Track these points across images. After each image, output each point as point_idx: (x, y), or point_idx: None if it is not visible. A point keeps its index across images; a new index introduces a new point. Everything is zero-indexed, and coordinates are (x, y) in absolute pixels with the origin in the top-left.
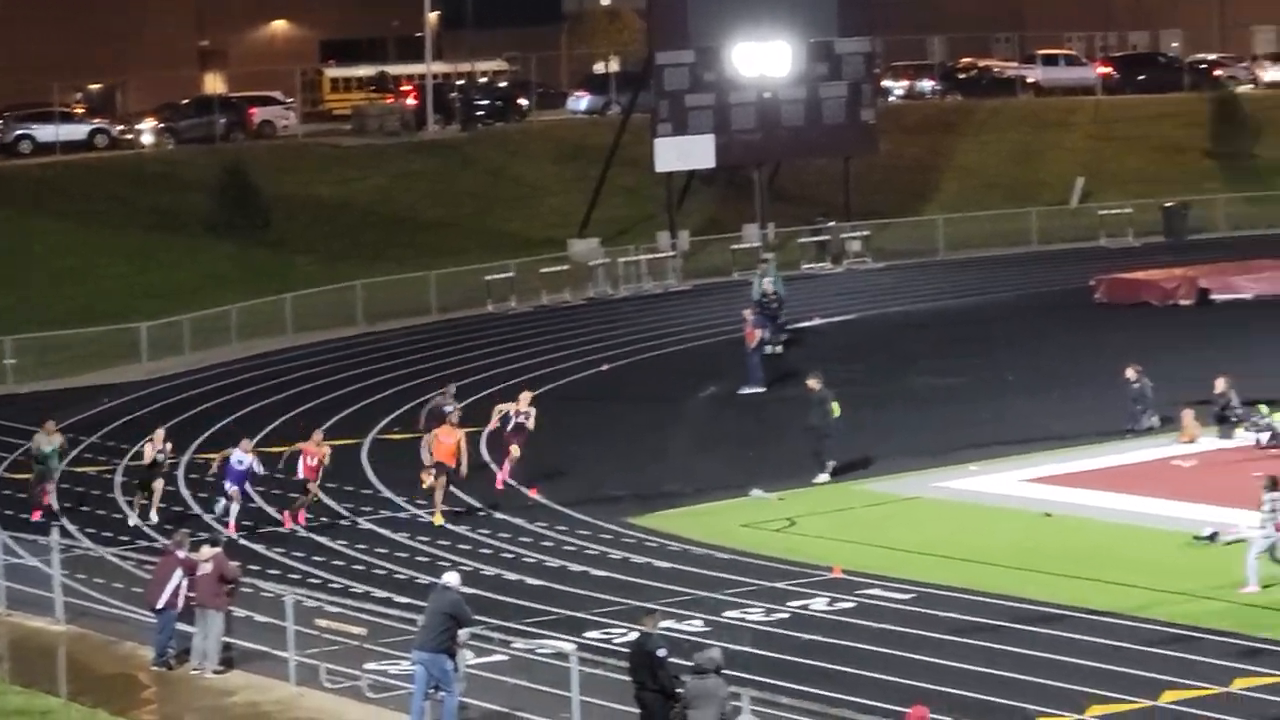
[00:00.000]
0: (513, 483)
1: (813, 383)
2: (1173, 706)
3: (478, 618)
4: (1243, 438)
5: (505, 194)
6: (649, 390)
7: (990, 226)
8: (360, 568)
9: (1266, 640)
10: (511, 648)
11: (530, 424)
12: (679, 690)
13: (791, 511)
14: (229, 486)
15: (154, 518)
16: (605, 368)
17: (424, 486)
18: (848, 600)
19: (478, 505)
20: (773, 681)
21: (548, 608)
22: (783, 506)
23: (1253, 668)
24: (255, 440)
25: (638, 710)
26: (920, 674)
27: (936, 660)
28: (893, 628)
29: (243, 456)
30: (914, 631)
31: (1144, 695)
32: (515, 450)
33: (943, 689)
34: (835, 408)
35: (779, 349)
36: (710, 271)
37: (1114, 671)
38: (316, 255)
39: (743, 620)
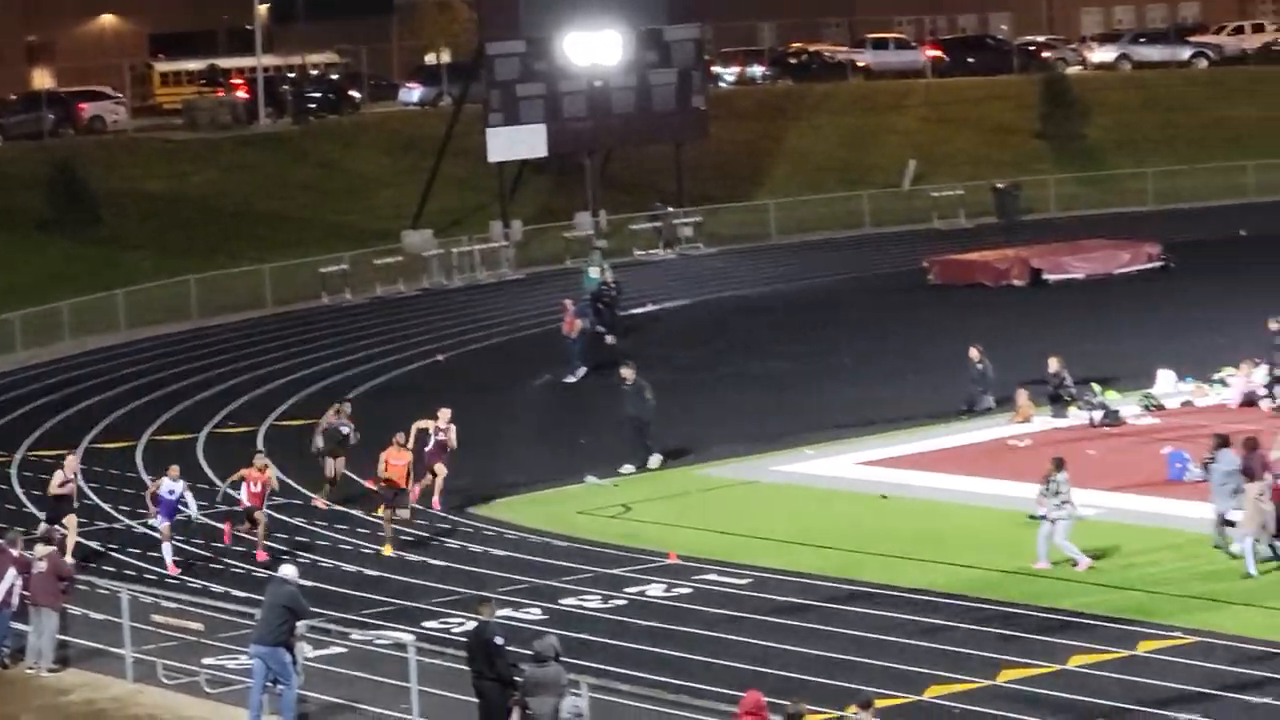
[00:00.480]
0: (438, 509)
1: (626, 372)
2: (1011, 685)
3: (315, 610)
4: (1076, 416)
5: (338, 186)
6: (484, 380)
7: (823, 210)
8: (197, 562)
9: (1100, 617)
10: (349, 639)
11: (452, 440)
12: (517, 678)
13: (627, 498)
14: (161, 523)
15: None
16: (440, 358)
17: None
18: (685, 586)
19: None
20: (611, 669)
21: (385, 598)
22: (618, 493)
23: (1088, 644)
24: (90, 438)
25: (476, 699)
26: (757, 658)
27: (773, 644)
28: (730, 613)
29: (173, 485)
30: (751, 616)
31: (982, 675)
32: (441, 469)
33: (780, 673)
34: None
35: (613, 340)
36: (544, 260)
37: (952, 652)
38: (149, 250)
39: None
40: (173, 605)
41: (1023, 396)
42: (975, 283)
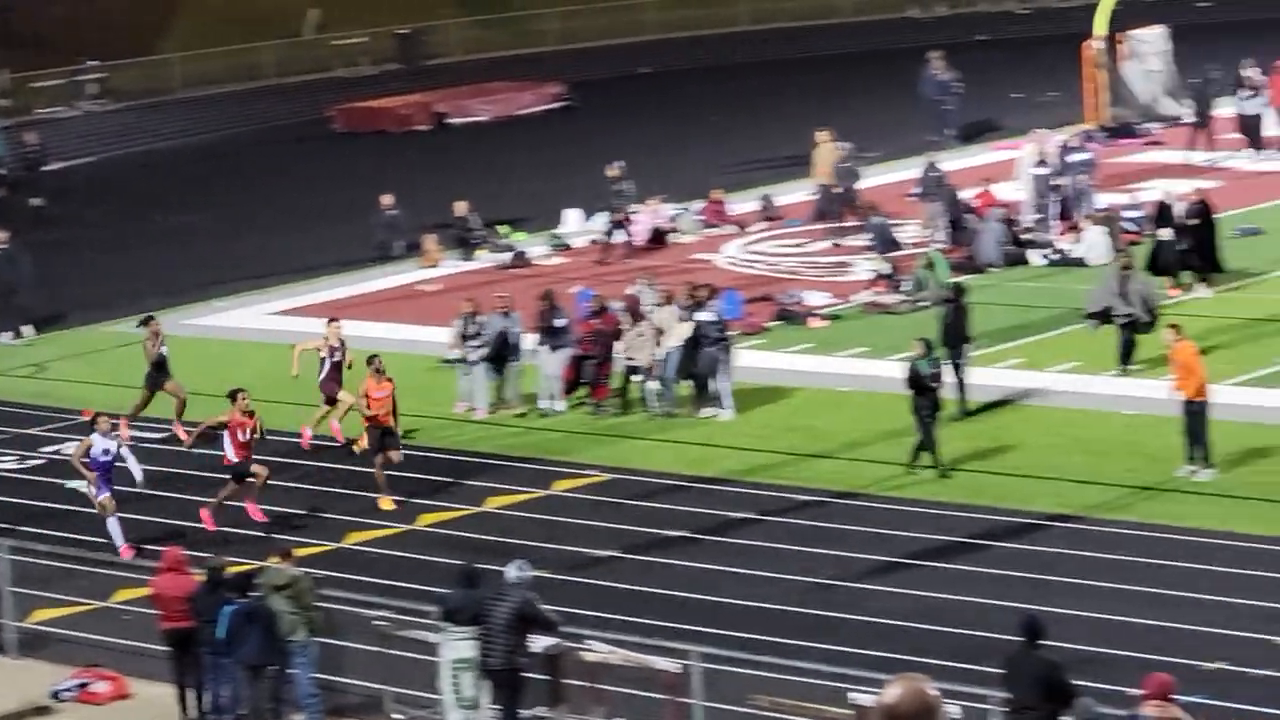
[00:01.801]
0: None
1: (1, 235)
2: (429, 529)
3: None
4: (485, 259)
5: None
6: None
7: (226, 61)
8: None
9: (516, 458)
10: None
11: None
12: None
13: (40, 357)
14: (101, 494)
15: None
16: None
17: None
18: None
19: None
20: (28, 529)
21: None
22: (30, 352)
23: (504, 485)
24: None
25: None
26: (178, 515)
27: (192, 498)
28: (150, 468)
29: (107, 444)
30: (170, 470)
31: (401, 520)
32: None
33: (199, 527)
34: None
35: (42, 202)
36: None
37: (369, 498)
38: None
39: None
40: None
41: (430, 241)
42: (380, 129)
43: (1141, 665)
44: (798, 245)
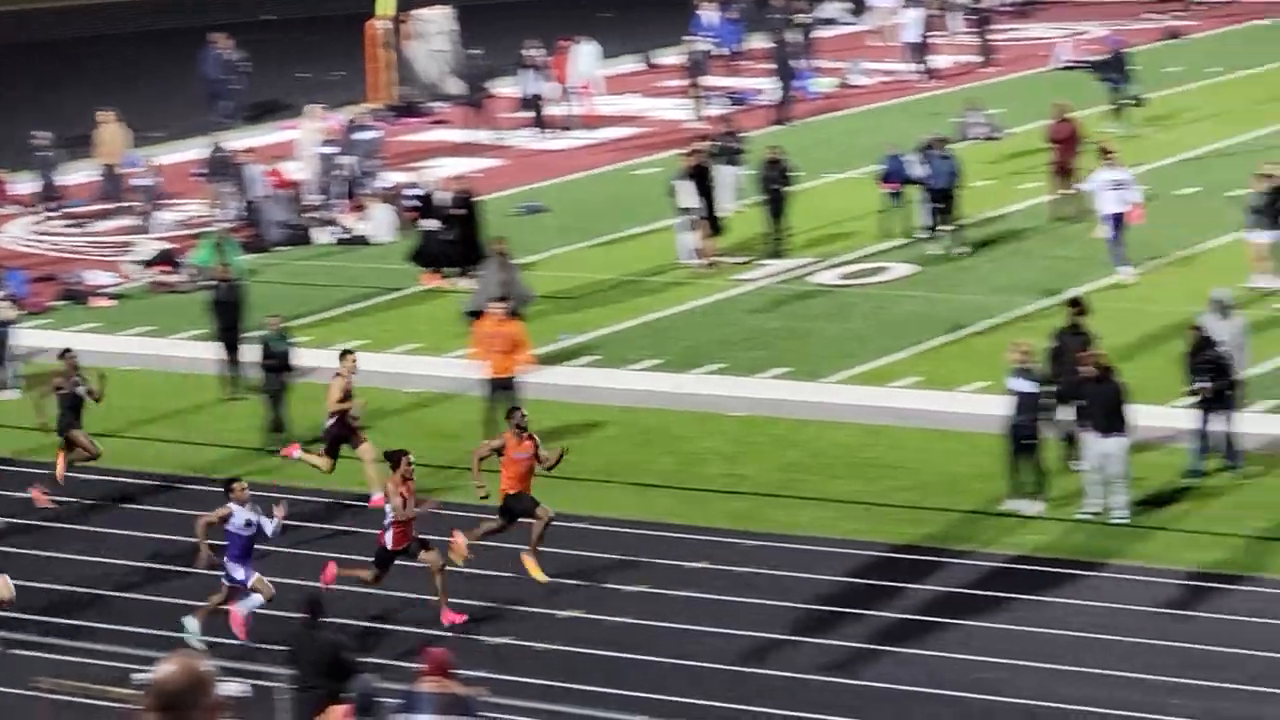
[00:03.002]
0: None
1: None
2: None
3: None
4: None
5: None
6: None
7: None
8: None
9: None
10: None
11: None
12: None
13: None
14: (246, 574)
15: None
16: None
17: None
18: None
19: None
20: None
21: None
22: None
23: None
24: None
25: None
26: None
27: None
28: None
29: (250, 516)
30: None
31: None
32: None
33: None
34: None
35: None
36: None
37: None
38: None
39: None
40: None
41: None
42: None
43: (425, 640)
44: (80, 225)
